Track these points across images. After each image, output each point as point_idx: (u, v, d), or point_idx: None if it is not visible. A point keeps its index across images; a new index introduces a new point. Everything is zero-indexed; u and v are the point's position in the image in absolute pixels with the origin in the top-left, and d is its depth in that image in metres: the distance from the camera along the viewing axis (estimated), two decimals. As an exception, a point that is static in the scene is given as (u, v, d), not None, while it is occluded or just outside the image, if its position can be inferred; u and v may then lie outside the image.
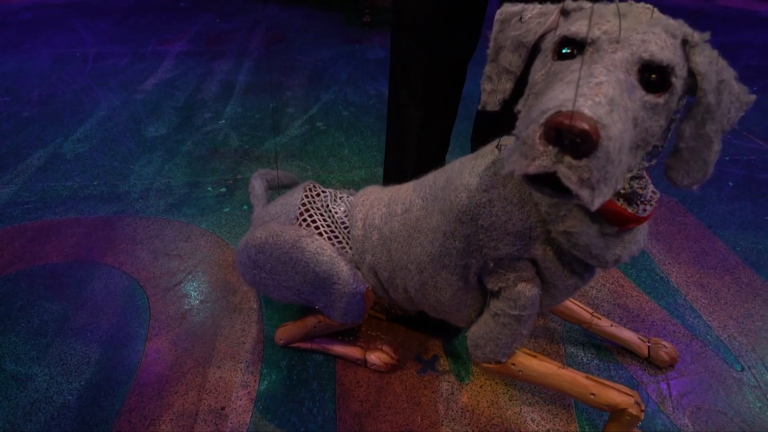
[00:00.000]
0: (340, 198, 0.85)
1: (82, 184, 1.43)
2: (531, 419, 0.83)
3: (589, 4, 0.49)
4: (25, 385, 0.87)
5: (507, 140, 0.66)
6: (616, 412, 0.71)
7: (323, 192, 0.86)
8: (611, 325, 0.94)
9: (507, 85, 0.55)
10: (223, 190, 1.41)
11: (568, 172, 0.38)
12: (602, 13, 0.46)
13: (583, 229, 0.57)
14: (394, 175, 1.12)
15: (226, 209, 1.33)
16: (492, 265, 0.65)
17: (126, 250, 1.18)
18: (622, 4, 0.47)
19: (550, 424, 0.82)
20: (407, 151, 1.07)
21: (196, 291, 1.07)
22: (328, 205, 0.84)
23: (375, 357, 0.89)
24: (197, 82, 2.10)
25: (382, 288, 0.82)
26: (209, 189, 1.42)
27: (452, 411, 0.84)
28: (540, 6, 0.52)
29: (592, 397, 0.71)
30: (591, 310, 0.95)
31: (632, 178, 0.55)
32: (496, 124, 1.11)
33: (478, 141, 1.19)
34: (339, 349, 0.92)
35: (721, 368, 0.92)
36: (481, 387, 0.88)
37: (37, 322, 0.99)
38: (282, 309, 1.03)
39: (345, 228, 0.82)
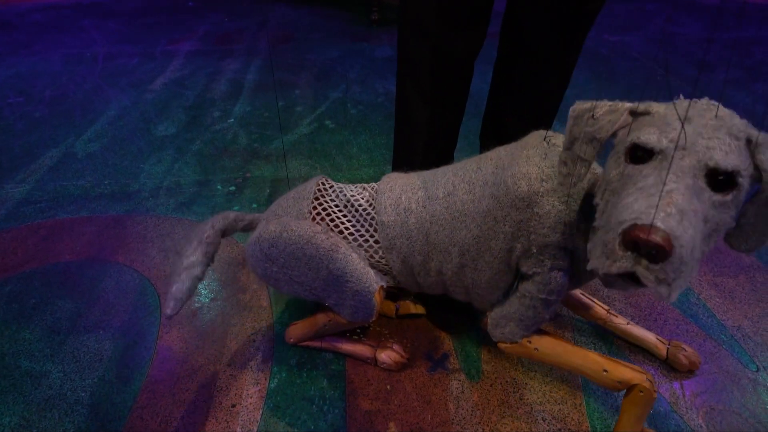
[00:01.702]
0: (362, 187, 0.86)
1: (94, 183, 1.44)
2: (542, 418, 0.82)
3: (656, 107, 0.54)
4: (39, 382, 0.88)
5: (552, 134, 0.71)
6: (629, 390, 0.72)
7: (336, 185, 0.87)
8: (627, 323, 0.93)
9: (582, 170, 0.61)
10: (233, 188, 1.42)
11: (646, 273, 0.45)
12: (668, 122, 0.51)
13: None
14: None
15: (236, 207, 1.34)
16: (535, 251, 0.69)
17: (137, 249, 1.19)
18: (686, 106, 0.51)
19: (561, 423, 0.82)
20: (415, 148, 1.07)
21: (206, 289, 1.08)
22: (345, 195, 0.84)
23: (385, 355, 0.89)
24: (206, 82, 2.11)
25: (409, 273, 0.83)
26: (219, 187, 1.42)
27: (463, 410, 0.84)
28: (610, 104, 0.57)
29: (604, 374, 0.73)
30: (607, 307, 0.95)
31: None
32: (505, 122, 1.11)
33: (487, 139, 1.18)
34: (349, 347, 0.92)
35: (736, 368, 0.91)
36: (491, 386, 0.88)
37: (51, 319, 1.00)
38: (292, 307, 1.03)
39: (369, 216, 0.82)
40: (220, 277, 1.11)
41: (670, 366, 0.91)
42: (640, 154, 0.52)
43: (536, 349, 0.78)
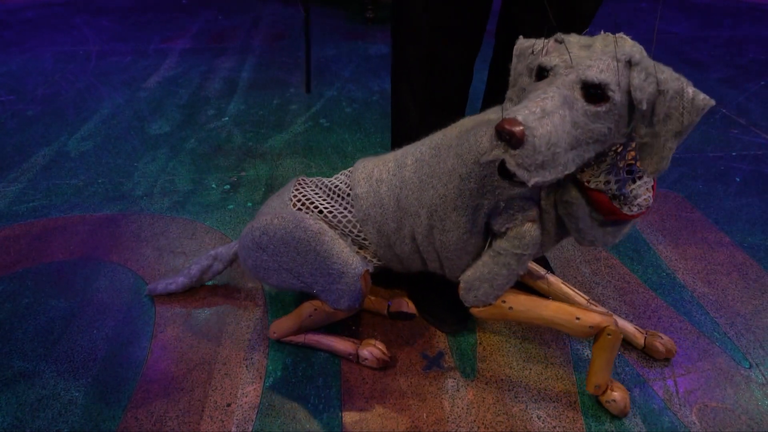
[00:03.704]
0: (341, 173, 0.89)
1: (87, 182, 1.43)
2: (537, 416, 0.83)
3: (571, 38, 0.62)
4: (32, 382, 0.88)
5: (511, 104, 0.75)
6: (598, 336, 0.76)
7: (316, 178, 0.91)
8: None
9: None
10: (227, 187, 1.41)
11: (509, 158, 0.55)
12: (568, 47, 0.60)
13: (578, 204, 0.68)
14: None
15: (231, 206, 1.33)
16: (503, 205, 0.72)
17: (131, 248, 1.18)
18: (592, 38, 0.61)
19: (556, 421, 0.82)
20: None
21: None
22: (323, 182, 0.88)
23: (367, 352, 0.89)
24: (200, 80, 2.10)
25: (386, 245, 0.84)
26: (213, 186, 1.42)
27: (458, 408, 0.84)
28: (546, 40, 0.65)
29: (577, 321, 0.76)
30: (587, 297, 0.96)
31: (617, 181, 0.66)
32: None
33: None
34: (331, 343, 0.91)
35: (729, 365, 0.92)
36: (486, 384, 0.88)
37: (44, 319, 1.00)
38: (288, 307, 1.03)
39: (345, 195, 0.85)
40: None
41: (647, 354, 0.92)
42: (544, 74, 0.60)
43: (510, 308, 0.79)
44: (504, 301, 0.79)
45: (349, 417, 0.82)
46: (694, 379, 0.89)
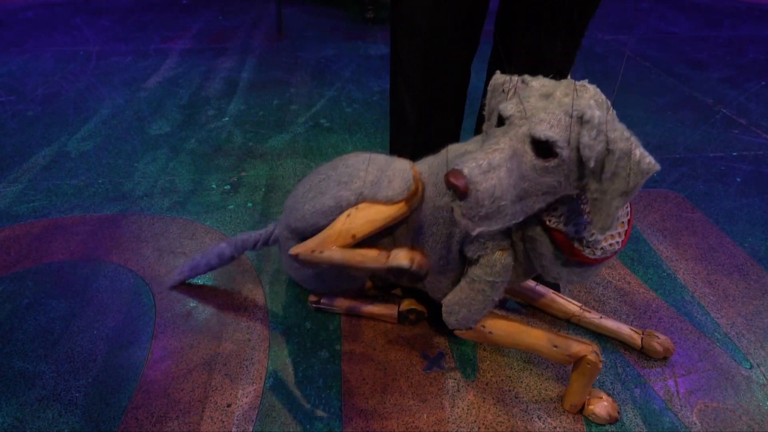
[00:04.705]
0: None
1: (87, 183, 1.43)
2: (537, 417, 0.83)
3: (535, 82, 0.62)
4: (33, 383, 0.88)
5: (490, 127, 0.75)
6: (578, 363, 0.78)
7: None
8: (600, 317, 0.94)
9: None
10: (228, 187, 1.41)
11: (456, 207, 0.59)
12: (527, 95, 0.60)
13: (542, 242, 0.68)
14: None
15: (231, 206, 1.33)
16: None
17: (131, 248, 1.18)
18: (556, 84, 0.60)
19: (557, 421, 0.82)
20: (407, 149, 1.07)
21: (201, 288, 1.07)
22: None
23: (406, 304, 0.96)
24: (200, 80, 2.10)
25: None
26: (213, 186, 1.42)
27: (458, 408, 0.84)
28: (518, 78, 0.66)
29: (555, 349, 0.78)
30: (580, 304, 0.96)
31: (575, 224, 0.66)
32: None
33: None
34: (370, 309, 0.97)
35: (730, 366, 0.92)
36: (487, 384, 0.88)
37: (44, 319, 1.00)
38: (288, 307, 1.03)
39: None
40: (215, 276, 1.10)
41: (645, 355, 0.92)
42: (503, 121, 0.61)
43: (490, 333, 0.81)
44: (484, 326, 0.81)
45: (349, 417, 0.82)
46: (695, 380, 0.89)
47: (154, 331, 0.97)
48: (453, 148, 0.80)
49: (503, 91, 0.66)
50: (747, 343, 0.96)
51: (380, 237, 0.85)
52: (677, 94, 2.00)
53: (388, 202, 0.79)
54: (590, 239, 0.66)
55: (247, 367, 0.90)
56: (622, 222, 0.68)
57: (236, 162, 1.54)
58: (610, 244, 0.68)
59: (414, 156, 1.06)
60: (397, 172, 0.81)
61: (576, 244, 0.67)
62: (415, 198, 0.80)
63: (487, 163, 0.56)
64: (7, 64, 2.22)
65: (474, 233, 0.59)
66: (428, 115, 1.01)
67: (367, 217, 0.79)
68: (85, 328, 0.98)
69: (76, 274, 1.11)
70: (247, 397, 0.85)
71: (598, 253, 0.67)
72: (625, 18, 2.90)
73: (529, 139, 0.57)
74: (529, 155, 0.58)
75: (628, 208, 0.69)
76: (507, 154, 0.57)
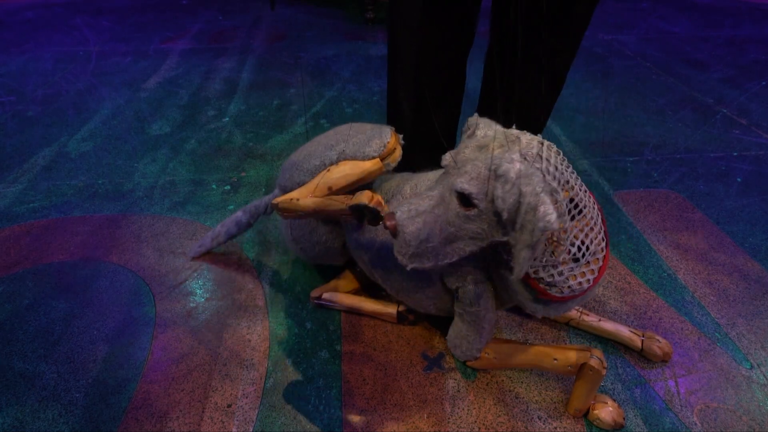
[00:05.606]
0: None
1: (87, 183, 1.43)
2: (538, 417, 0.83)
3: (483, 133, 0.68)
4: (33, 383, 0.88)
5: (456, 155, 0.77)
6: (580, 370, 0.78)
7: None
8: (599, 320, 0.94)
9: None
10: (228, 187, 1.41)
11: (394, 245, 0.68)
12: (465, 146, 0.66)
13: (513, 280, 0.71)
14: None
15: (231, 207, 1.33)
16: (451, 268, 0.77)
17: (131, 249, 1.18)
18: (493, 136, 0.65)
19: (557, 422, 0.82)
20: (404, 146, 1.07)
21: (201, 289, 1.07)
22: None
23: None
24: (200, 80, 2.10)
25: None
26: (213, 187, 1.42)
27: (459, 409, 0.84)
28: (475, 124, 0.71)
29: (555, 362, 0.80)
30: (577, 308, 0.95)
31: (531, 264, 0.67)
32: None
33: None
34: (371, 306, 0.98)
35: (730, 366, 0.91)
36: (487, 384, 0.88)
37: (44, 320, 1.00)
38: (288, 307, 1.03)
39: None
40: (215, 276, 1.10)
41: (645, 357, 0.92)
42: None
43: (495, 358, 0.85)
44: (487, 353, 0.85)
45: (349, 418, 0.82)
46: (696, 380, 0.89)
47: (153, 331, 0.97)
48: (431, 175, 0.86)
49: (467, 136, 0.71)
50: (747, 343, 0.96)
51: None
52: (677, 94, 2.00)
53: (365, 159, 0.84)
54: (549, 280, 0.67)
55: (247, 367, 0.90)
56: (597, 258, 0.69)
57: (236, 162, 1.54)
58: (579, 283, 0.68)
59: (410, 152, 1.06)
60: (377, 134, 0.85)
61: (541, 284, 0.68)
62: (391, 156, 0.85)
63: (414, 209, 0.65)
64: (7, 65, 2.22)
65: (408, 268, 0.68)
66: (424, 111, 1.01)
67: (344, 171, 0.84)
68: (85, 328, 0.98)
69: (76, 275, 1.11)
70: (247, 397, 0.85)
71: (566, 291, 0.68)
72: (626, 18, 2.90)
73: (455, 189, 0.63)
74: (454, 203, 0.64)
75: (604, 244, 0.70)
76: (435, 201, 0.65)
